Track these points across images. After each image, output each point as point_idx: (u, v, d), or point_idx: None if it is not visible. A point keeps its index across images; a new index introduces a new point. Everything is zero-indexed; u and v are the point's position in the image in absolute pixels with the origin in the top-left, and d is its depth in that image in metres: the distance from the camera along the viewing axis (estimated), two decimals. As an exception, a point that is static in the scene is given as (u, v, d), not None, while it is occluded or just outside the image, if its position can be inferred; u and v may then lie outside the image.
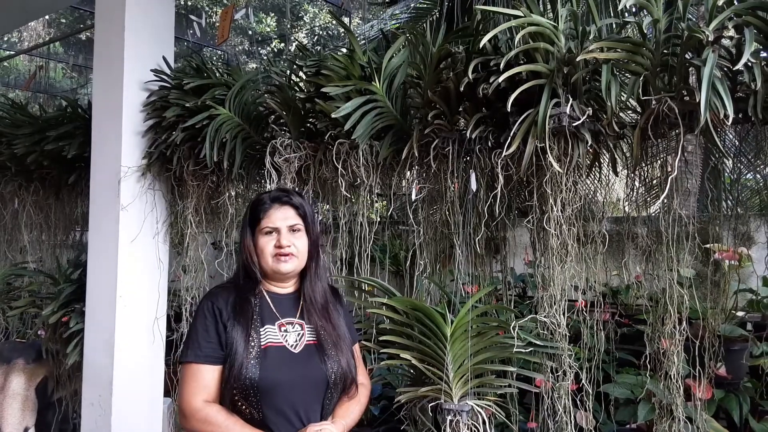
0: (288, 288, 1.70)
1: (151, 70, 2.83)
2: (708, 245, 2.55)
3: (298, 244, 1.65)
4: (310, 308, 1.66)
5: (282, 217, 1.64)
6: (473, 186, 2.02)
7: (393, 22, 6.27)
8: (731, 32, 1.61)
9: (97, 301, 2.84)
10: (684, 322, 1.85)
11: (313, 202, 2.51)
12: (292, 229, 1.65)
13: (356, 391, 1.69)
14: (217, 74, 2.75)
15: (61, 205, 3.74)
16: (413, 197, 2.26)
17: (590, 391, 1.99)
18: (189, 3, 10.13)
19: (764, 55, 1.63)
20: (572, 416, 1.97)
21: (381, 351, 2.07)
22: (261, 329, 1.60)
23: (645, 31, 1.72)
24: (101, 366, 2.77)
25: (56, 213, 3.75)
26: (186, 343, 1.61)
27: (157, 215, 2.92)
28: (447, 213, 2.23)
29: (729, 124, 1.59)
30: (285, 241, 1.62)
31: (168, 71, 2.85)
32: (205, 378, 1.55)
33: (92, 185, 2.92)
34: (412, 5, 5.85)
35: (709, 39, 1.56)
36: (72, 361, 2.93)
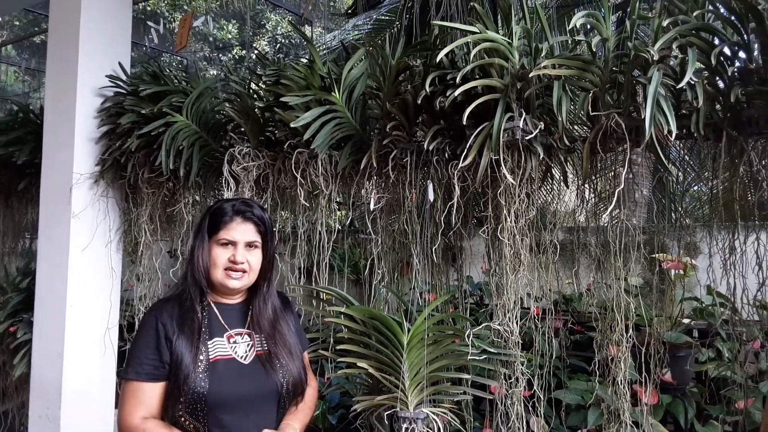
0: (236, 299, 1.67)
1: (107, 76, 2.79)
2: (655, 255, 2.64)
3: (252, 261, 1.62)
4: (259, 321, 1.63)
5: (242, 231, 1.60)
6: (430, 196, 2.05)
7: (355, 32, 6.31)
8: (676, 52, 1.69)
9: (46, 310, 2.77)
10: (631, 330, 1.91)
11: (270, 211, 2.50)
12: (249, 245, 1.61)
13: (303, 396, 1.68)
14: (175, 81, 2.73)
15: (11, 212, 3.66)
16: (372, 207, 2.27)
17: (542, 397, 2.03)
18: (148, 8, 9.97)
19: (706, 74, 1.71)
20: (525, 422, 2.01)
21: (339, 360, 2.07)
22: (209, 342, 1.56)
23: (595, 50, 1.79)
24: (50, 378, 2.69)
25: (5, 220, 3.67)
26: (128, 360, 1.55)
27: (110, 223, 2.87)
28: (405, 223, 2.25)
29: (673, 139, 1.66)
30: (240, 257, 1.59)
31: (124, 77, 2.81)
32: (146, 395, 1.50)
33: (43, 192, 2.85)
34: (374, 17, 5.90)
35: (654, 58, 1.64)
36: (19, 372, 2.86)
